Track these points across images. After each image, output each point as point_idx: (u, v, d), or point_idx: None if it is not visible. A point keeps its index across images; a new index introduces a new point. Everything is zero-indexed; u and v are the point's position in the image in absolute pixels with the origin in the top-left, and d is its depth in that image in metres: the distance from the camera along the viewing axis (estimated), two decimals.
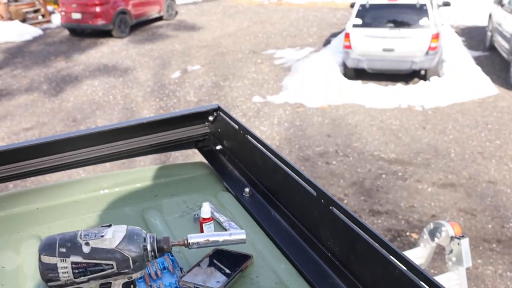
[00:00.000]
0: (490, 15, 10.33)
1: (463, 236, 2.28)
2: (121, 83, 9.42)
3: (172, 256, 1.41)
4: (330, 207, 1.31)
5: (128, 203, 1.70)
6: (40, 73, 10.36)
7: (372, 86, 8.22)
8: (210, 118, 1.93)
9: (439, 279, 2.29)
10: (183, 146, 1.99)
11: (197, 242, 1.21)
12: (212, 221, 1.53)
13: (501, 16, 9.28)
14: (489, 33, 10.22)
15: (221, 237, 1.22)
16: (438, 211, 4.84)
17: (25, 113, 8.16)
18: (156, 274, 1.33)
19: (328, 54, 9.77)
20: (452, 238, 2.30)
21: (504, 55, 8.76)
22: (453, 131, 6.67)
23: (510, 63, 8.22)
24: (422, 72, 8.40)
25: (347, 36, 8.42)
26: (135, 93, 8.83)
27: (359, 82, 8.47)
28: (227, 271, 1.34)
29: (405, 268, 1.05)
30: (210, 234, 1.22)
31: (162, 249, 1.14)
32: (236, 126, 1.77)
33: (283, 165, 1.51)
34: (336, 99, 7.83)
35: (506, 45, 8.66)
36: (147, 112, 7.86)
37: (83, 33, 13.67)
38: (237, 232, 1.25)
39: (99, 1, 12.93)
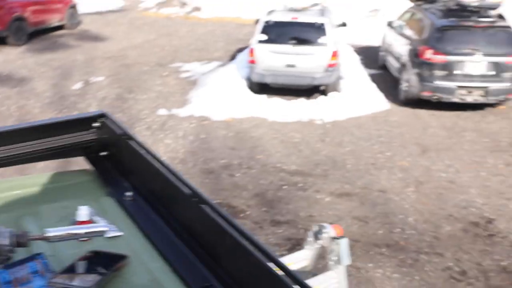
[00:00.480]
0: (383, 37, 11.15)
1: (342, 237, 2.46)
2: (16, 94, 8.88)
3: (45, 259, 1.41)
4: (202, 205, 1.39)
5: (2, 211, 1.67)
6: None
7: (276, 100, 8.51)
8: (97, 124, 1.93)
9: (319, 278, 2.44)
10: (71, 154, 1.98)
11: (58, 235, 1.24)
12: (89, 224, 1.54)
13: (392, 37, 10.06)
14: (381, 53, 11.02)
15: (82, 230, 1.27)
16: (335, 219, 5.11)
17: None
18: (27, 278, 1.32)
19: (234, 69, 9.96)
20: (332, 239, 2.48)
21: (394, 73, 9.50)
22: (349, 143, 7.09)
23: (399, 80, 8.93)
24: (322, 88, 8.84)
25: (251, 51, 8.66)
26: (31, 105, 8.37)
27: (264, 96, 8.72)
28: (101, 271, 1.36)
29: (272, 264, 1.15)
30: (71, 227, 1.27)
31: (20, 243, 1.19)
32: (121, 132, 1.80)
33: (162, 168, 1.59)
34: (240, 113, 7.99)
35: (395, 64, 9.39)
36: None
37: None
38: (98, 225, 1.29)
39: None
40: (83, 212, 1.53)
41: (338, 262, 2.46)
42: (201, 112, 8.05)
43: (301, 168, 6.26)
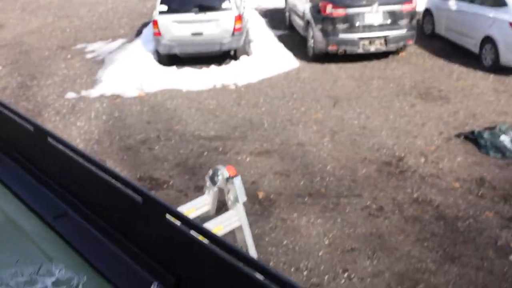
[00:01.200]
0: None
1: (235, 176, 2.54)
2: None
3: None
4: (48, 139, 1.41)
5: None
6: None
7: (187, 70, 8.41)
8: None
9: (221, 217, 2.54)
10: None
11: None
12: None
13: None
14: (287, 14, 11.17)
15: None
16: (257, 177, 5.22)
17: None
18: None
19: (140, 44, 9.68)
20: (227, 179, 2.55)
21: (300, 32, 9.68)
22: (265, 104, 7.20)
23: (307, 38, 9.12)
24: (232, 53, 8.84)
25: (155, 23, 8.44)
26: None
27: (174, 67, 8.58)
28: None
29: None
30: None
31: None
32: None
33: (8, 113, 1.59)
34: (152, 87, 7.83)
35: (300, 23, 9.57)
36: None
37: None
38: None
39: None
40: None
41: (236, 200, 2.56)
42: (112, 91, 7.79)
43: (219, 133, 6.29)
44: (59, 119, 6.90)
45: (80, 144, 6.07)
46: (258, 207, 4.67)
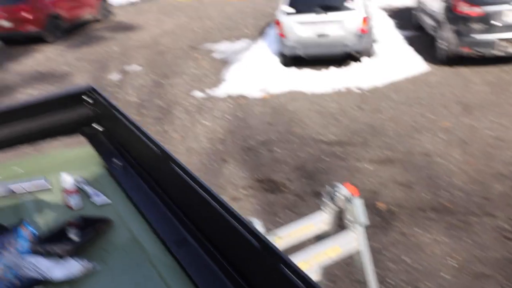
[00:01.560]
0: None
1: (356, 196, 2.42)
2: (58, 89, 9.16)
3: (29, 225, 1.53)
4: (172, 164, 1.48)
5: None
6: None
7: (307, 72, 8.40)
8: (89, 100, 1.99)
9: (339, 238, 2.42)
10: (65, 130, 2.06)
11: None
12: (78, 194, 1.69)
13: None
14: (415, 13, 10.63)
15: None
16: (378, 186, 5.04)
17: None
18: (13, 243, 1.41)
19: (265, 44, 9.87)
20: (347, 199, 2.43)
21: (430, 32, 9.14)
22: (389, 109, 6.93)
23: (436, 39, 8.59)
24: (356, 54, 8.64)
25: (279, 24, 8.54)
26: None
27: (297, 69, 8.62)
28: (83, 233, 1.48)
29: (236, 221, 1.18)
30: (12, 187, 1.57)
31: None
32: (109, 107, 1.86)
33: (142, 137, 1.67)
34: (276, 88, 7.94)
35: (430, 22, 9.04)
36: None
37: (16, 41, 13.15)
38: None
39: (28, 6, 12.47)
40: (66, 179, 1.67)
41: (356, 222, 2.42)
42: (236, 91, 8.06)
43: (340, 137, 6.19)
44: (187, 117, 7.30)
45: (205, 143, 6.37)
46: (377, 219, 4.51)
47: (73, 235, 1.46)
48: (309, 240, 2.62)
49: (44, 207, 1.70)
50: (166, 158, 1.52)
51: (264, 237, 1.09)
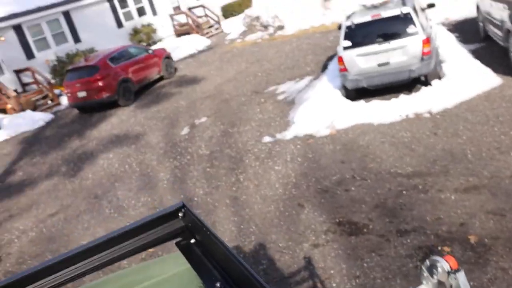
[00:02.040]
0: (477, 6, 10.34)
1: (458, 270, 2.23)
2: (134, 151, 9.62)
3: None
4: None
5: None
6: (57, 156, 10.66)
7: (375, 103, 8.24)
8: (180, 215, 2.00)
9: None
10: (162, 242, 2.08)
11: None
12: None
13: (488, 4, 9.28)
14: (480, 24, 10.21)
15: None
16: (466, 217, 4.76)
17: (49, 199, 8.37)
18: None
19: (327, 80, 9.85)
20: (448, 273, 2.25)
21: (500, 42, 8.72)
22: (465, 131, 6.61)
23: (508, 49, 8.17)
24: (423, 78, 8.39)
25: (340, 59, 8.51)
26: (149, 158, 9.00)
27: (361, 101, 8.50)
28: None
29: None
30: None
31: None
32: (199, 223, 1.86)
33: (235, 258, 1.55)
34: (343, 123, 7.86)
35: (499, 33, 8.63)
36: (164, 175, 7.98)
37: (92, 109, 14.07)
38: None
39: (100, 75, 13.35)
40: None
41: None
42: (304, 131, 8.06)
43: (417, 168, 5.96)
44: (258, 164, 7.37)
45: (279, 189, 6.37)
46: (471, 254, 4.24)
47: None
48: None
49: None
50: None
51: None
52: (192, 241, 1.99)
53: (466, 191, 5.21)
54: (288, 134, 8.18)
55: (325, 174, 6.46)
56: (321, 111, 8.43)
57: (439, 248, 4.43)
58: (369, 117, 7.80)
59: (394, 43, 8.13)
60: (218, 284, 1.72)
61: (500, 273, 3.94)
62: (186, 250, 1.99)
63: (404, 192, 5.50)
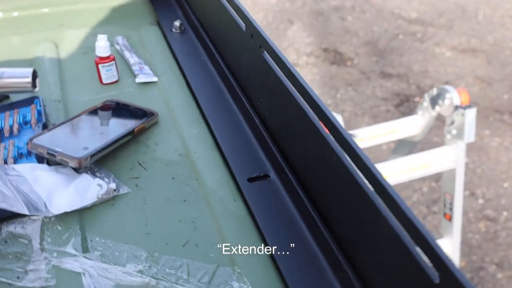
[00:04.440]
0: None
1: (469, 106, 2.00)
2: None
3: (40, 106, 1.06)
4: (261, 48, 0.92)
5: (21, 32, 1.42)
6: None
7: None
8: None
9: (433, 152, 2.10)
10: None
11: None
12: (113, 62, 1.20)
13: None
14: None
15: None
16: (453, 77, 4.56)
17: None
18: (12, 130, 1.03)
19: None
20: (456, 107, 2.02)
21: None
22: None
23: None
24: None
25: None
26: None
27: None
28: (111, 133, 0.96)
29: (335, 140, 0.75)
30: None
31: None
32: None
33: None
34: None
35: None
36: None
37: None
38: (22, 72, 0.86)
39: None
40: (102, 45, 1.17)
41: (458, 136, 2.00)
42: None
43: (422, 16, 5.53)
44: None
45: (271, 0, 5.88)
46: None
47: (94, 131, 0.98)
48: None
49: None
50: (251, 35, 0.96)
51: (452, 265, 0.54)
52: None
53: (463, 52, 4.92)
54: None
55: None
56: None
57: (416, 99, 4.29)
58: None
59: None
60: (177, 24, 1.43)
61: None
62: None
63: (401, 36, 5.16)
